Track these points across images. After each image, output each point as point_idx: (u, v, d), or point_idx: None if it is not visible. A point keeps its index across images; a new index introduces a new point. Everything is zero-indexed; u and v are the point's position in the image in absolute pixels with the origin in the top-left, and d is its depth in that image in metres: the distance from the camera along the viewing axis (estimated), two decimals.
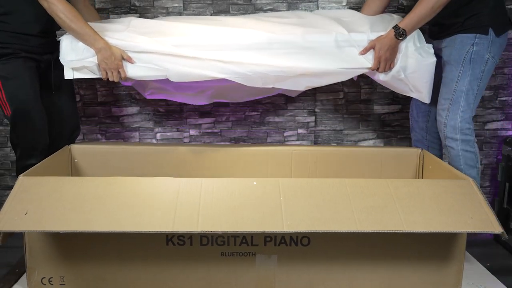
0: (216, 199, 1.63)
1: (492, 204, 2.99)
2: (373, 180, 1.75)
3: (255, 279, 1.78)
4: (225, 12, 2.93)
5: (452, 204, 1.66)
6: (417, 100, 2.52)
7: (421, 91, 2.28)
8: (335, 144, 3.08)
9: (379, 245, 1.77)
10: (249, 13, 2.90)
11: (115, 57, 2.13)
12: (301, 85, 2.29)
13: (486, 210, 1.62)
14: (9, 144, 3.05)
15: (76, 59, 2.18)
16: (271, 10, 2.92)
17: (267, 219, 1.57)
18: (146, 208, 1.59)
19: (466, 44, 2.24)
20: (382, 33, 2.23)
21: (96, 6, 2.89)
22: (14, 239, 1.82)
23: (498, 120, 3.03)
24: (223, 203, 1.62)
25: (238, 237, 1.74)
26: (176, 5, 2.92)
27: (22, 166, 2.23)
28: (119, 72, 2.17)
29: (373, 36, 2.23)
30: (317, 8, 2.90)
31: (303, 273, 1.79)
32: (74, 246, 1.74)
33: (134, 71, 2.19)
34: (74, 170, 2.18)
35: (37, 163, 2.05)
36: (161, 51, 2.16)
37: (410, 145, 3.05)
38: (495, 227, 1.57)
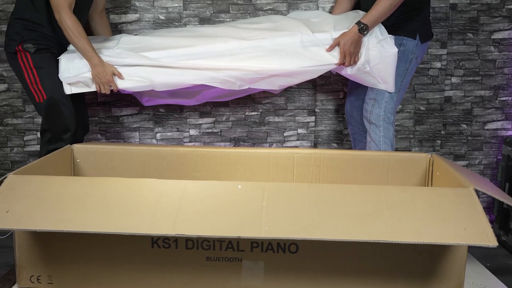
0: (197, 202, 1.58)
1: (492, 204, 2.99)
2: (366, 187, 1.66)
3: (241, 285, 1.73)
4: (225, 12, 2.93)
5: (447, 213, 1.54)
6: (350, 97, 2.81)
7: (388, 82, 2.43)
8: (336, 145, 3.08)
9: (369, 257, 1.69)
10: (249, 13, 2.91)
11: (107, 73, 2.38)
12: (275, 85, 2.47)
13: (482, 221, 1.51)
14: (9, 144, 3.07)
15: (72, 75, 2.42)
16: (271, 10, 2.93)
17: (244, 224, 1.49)
18: (125, 209, 1.54)
19: (395, 44, 2.41)
20: (346, 30, 2.36)
21: None
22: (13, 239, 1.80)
23: (498, 120, 3.02)
24: (203, 206, 1.57)
25: (224, 242, 1.69)
26: (176, 5, 2.92)
27: (48, 150, 2.39)
28: (110, 86, 2.42)
29: (336, 34, 2.38)
30: (317, 7, 2.91)
31: (291, 282, 1.72)
32: (61, 245, 1.71)
33: (123, 84, 2.42)
34: (76, 170, 2.16)
35: (65, 145, 2.27)
36: (146, 63, 2.38)
37: (410, 145, 3.06)
38: (490, 240, 1.45)
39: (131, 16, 2.93)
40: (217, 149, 2.23)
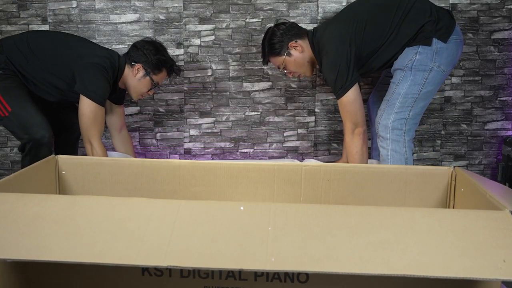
0: (193, 227, 1.32)
1: None
2: (385, 209, 1.39)
3: None
4: (225, 12, 2.81)
5: (482, 242, 1.24)
6: (373, 96, 2.68)
7: None
8: (336, 145, 2.99)
9: None
10: (249, 13, 2.81)
11: None
12: None
13: None
14: (9, 144, 2.99)
15: None
16: (271, 10, 2.82)
17: (248, 254, 1.23)
18: (109, 235, 1.29)
19: (410, 54, 2.25)
20: None
21: (96, 6, 2.80)
22: None
23: (498, 120, 2.92)
24: (200, 232, 1.30)
25: (224, 270, 1.44)
26: (176, 5, 2.82)
27: (31, 159, 2.27)
28: None
29: None
30: (317, 8, 2.79)
31: None
32: (40, 272, 1.49)
33: None
34: (61, 184, 1.93)
35: (49, 154, 2.00)
36: None
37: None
38: None
39: (131, 16, 2.81)
40: (215, 162, 1.96)
